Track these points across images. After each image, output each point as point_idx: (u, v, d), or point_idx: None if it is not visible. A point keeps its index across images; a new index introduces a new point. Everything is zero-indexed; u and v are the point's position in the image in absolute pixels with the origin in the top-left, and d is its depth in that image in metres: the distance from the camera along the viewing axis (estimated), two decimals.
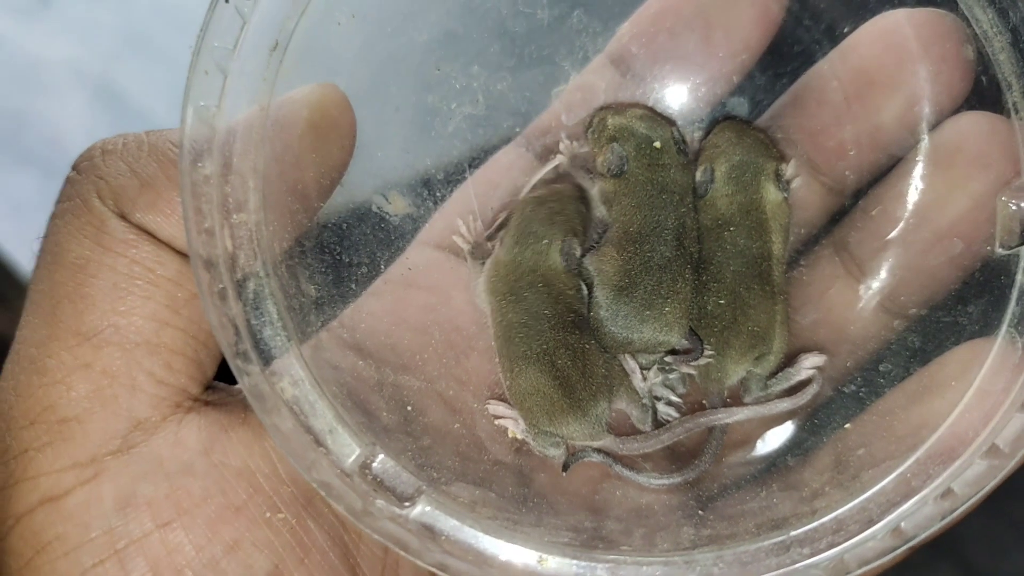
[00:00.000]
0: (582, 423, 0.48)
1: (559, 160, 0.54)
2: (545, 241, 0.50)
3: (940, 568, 1.23)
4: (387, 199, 0.51)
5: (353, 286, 0.48)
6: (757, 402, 0.50)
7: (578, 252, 0.51)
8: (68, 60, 1.56)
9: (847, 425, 0.48)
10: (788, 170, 0.52)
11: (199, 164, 0.39)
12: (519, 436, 0.49)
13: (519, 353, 0.49)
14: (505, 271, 0.51)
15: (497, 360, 0.50)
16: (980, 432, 0.41)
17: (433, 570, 0.41)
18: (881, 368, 0.49)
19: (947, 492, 0.40)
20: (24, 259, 1.43)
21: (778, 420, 0.49)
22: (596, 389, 0.48)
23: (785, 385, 0.50)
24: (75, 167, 0.44)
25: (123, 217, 0.42)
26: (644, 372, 0.50)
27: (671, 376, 0.51)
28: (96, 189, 0.43)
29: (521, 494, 0.46)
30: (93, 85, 1.55)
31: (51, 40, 1.57)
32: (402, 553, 0.40)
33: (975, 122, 0.48)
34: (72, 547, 0.40)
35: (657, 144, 0.52)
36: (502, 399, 0.50)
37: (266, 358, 0.41)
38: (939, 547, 1.22)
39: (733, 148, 0.52)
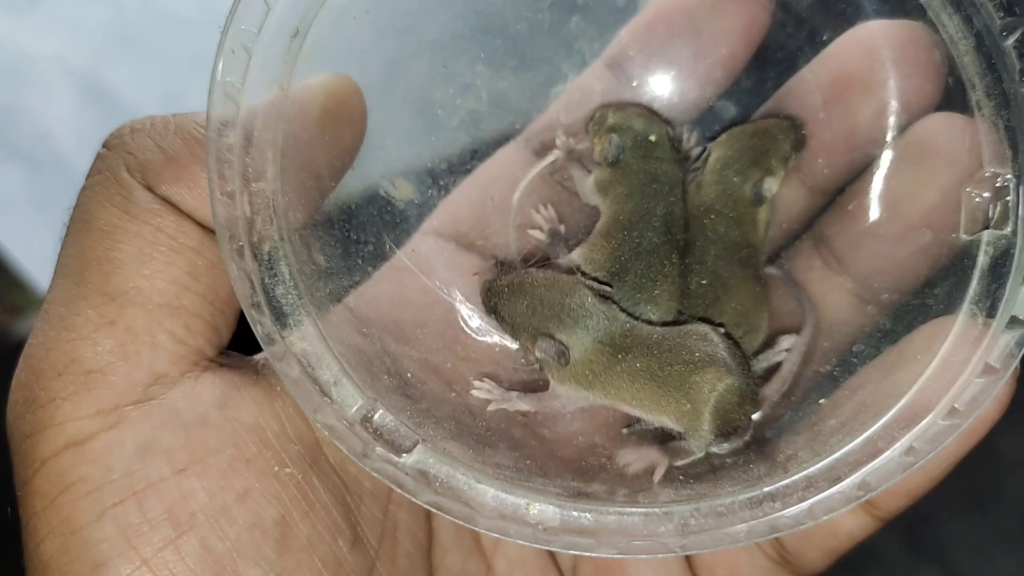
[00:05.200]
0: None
1: (556, 155, 0.57)
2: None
3: (926, 573, 1.24)
4: (393, 185, 0.55)
5: (360, 261, 0.52)
6: None
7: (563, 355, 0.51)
8: (56, 56, 1.58)
9: (821, 401, 0.51)
10: (768, 185, 0.56)
11: (224, 135, 0.43)
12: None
13: (690, 359, 0.51)
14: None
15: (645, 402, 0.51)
16: (942, 398, 0.44)
17: (430, 509, 0.43)
18: (854, 349, 0.52)
19: (910, 449, 0.44)
20: (13, 252, 1.48)
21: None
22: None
23: (765, 364, 0.53)
24: (105, 144, 0.47)
25: (149, 189, 0.45)
26: None
27: None
28: (125, 163, 0.46)
29: (513, 457, 0.49)
30: (81, 82, 1.58)
31: (40, 36, 1.60)
32: (398, 491, 0.43)
33: (941, 122, 0.51)
34: (94, 487, 0.43)
35: (652, 138, 0.56)
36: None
37: (278, 313, 0.44)
38: (925, 553, 1.24)
39: (732, 142, 0.56)
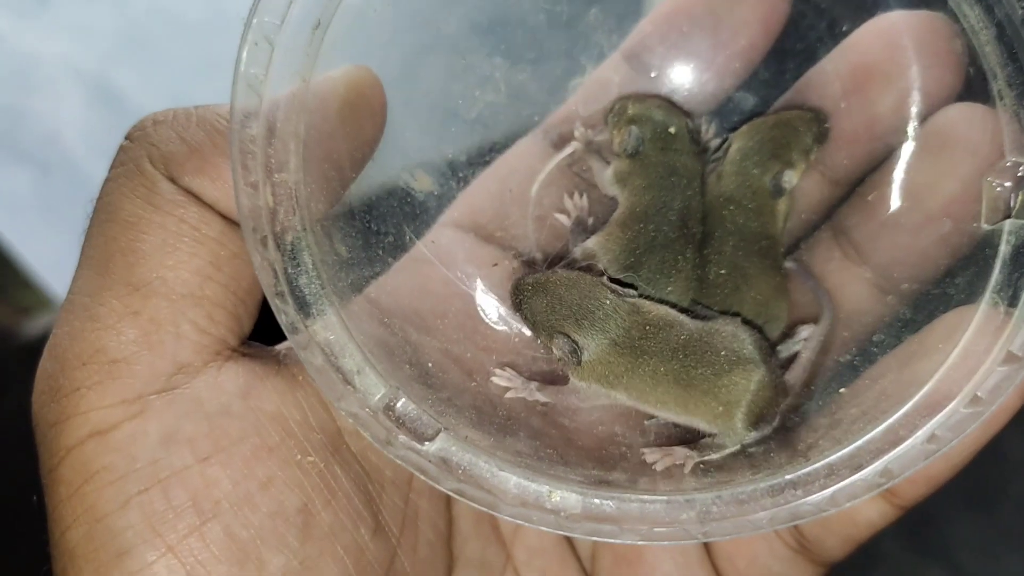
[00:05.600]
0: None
1: (574, 147, 0.58)
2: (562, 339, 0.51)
3: (932, 573, 1.24)
4: (413, 176, 0.55)
5: (380, 252, 0.52)
6: None
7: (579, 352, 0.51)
8: (65, 59, 1.59)
9: (842, 390, 0.51)
10: (787, 178, 0.56)
11: (247, 126, 0.43)
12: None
13: (716, 360, 0.51)
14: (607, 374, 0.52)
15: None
16: (964, 386, 0.44)
17: (451, 497, 0.44)
18: (875, 339, 0.52)
19: (932, 437, 0.44)
20: (22, 253, 1.50)
21: None
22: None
23: (786, 354, 0.53)
24: (128, 136, 0.48)
25: (172, 180, 0.45)
26: None
27: None
28: (148, 154, 0.46)
29: (533, 446, 0.49)
30: (90, 84, 1.59)
31: (48, 38, 1.60)
32: (421, 477, 0.44)
33: (962, 112, 0.51)
34: (119, 476, 0.43)
35: (672, 130, 0.56)
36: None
37: (301, 303, 0.44)
38: (930, 553, 1.24)
39: (753, 133, 0.56)
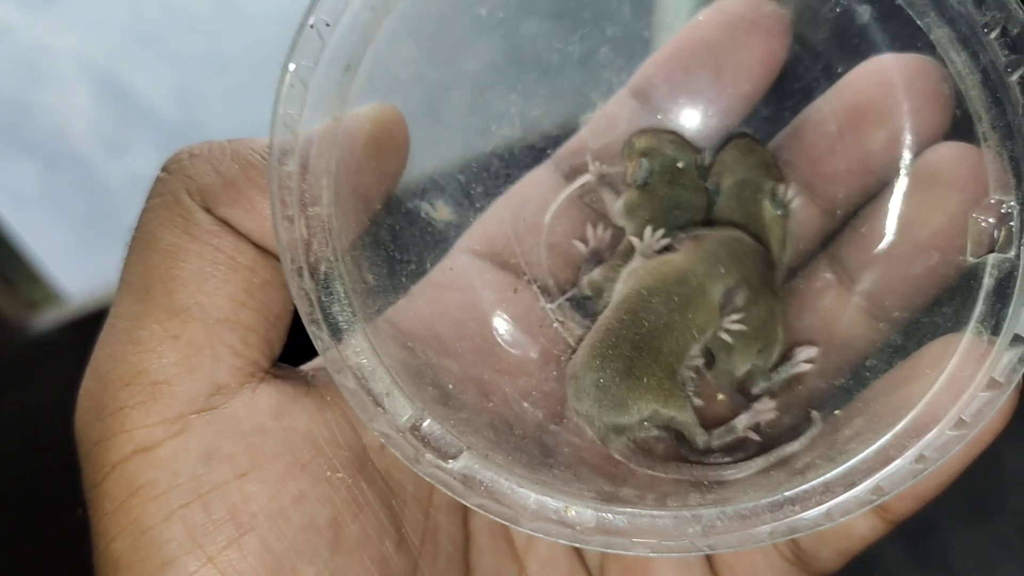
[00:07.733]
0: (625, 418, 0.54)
1: (587, 178, 0.61)
2: (722, 270, 0.55)
3: None
4: (433, 207, 0.58)
5: (403, 279, 0.55)
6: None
7: (740, 303, 0.55)
8: (74, 53, 1.59)
9: (837, 412, 0.54)
10: (785, 192, 0.59)
11: (284, 163, 0.46)
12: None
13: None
14: (669, 275, 0.55)
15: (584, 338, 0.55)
16: (950, 410, 0.47)
17: (469, 511, 0.47)
18: (867, 364, 0.55)
19: (920, 457, 0.47)
20: (29, 247, 1.48)
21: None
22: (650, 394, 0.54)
23: (784, 376, 0.56)
24: (165, 168, 0.50)
25: (208, 211, 0.48)
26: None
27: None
28: (185, 186, 0.48)
29: (547, 463, 0.52)
30: (98, 79, 1.58)
31: (57, 32, 1.60)
32: (448, 494, 0.46)
33: (950, 150, 0.54)
34: (162, 491, 0.45)
35: (680, 165, 0.59)
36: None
37: (334, 329, 0.47)
38: (928, 563, 1.26)
39: (738, 166, 0.59)
